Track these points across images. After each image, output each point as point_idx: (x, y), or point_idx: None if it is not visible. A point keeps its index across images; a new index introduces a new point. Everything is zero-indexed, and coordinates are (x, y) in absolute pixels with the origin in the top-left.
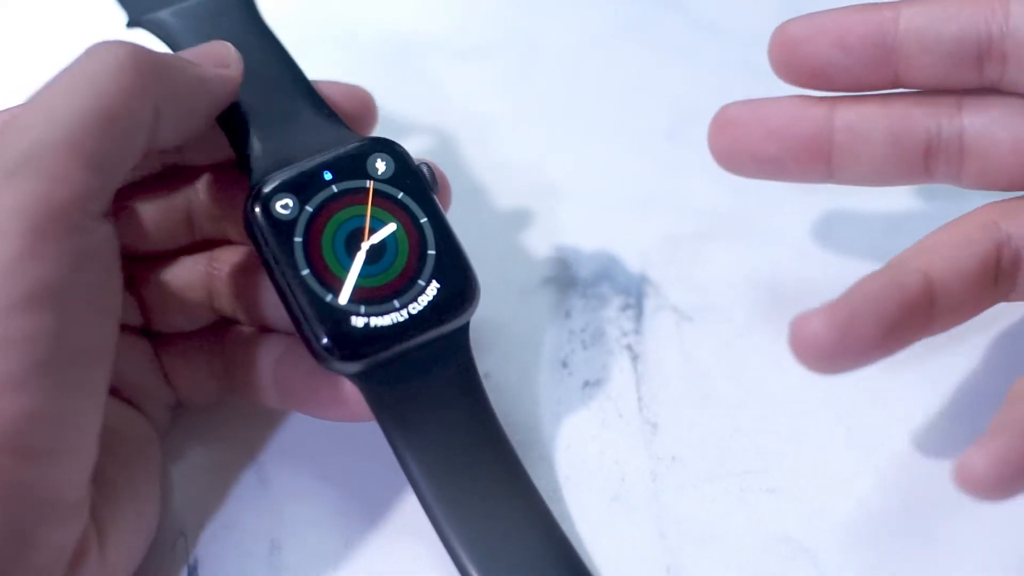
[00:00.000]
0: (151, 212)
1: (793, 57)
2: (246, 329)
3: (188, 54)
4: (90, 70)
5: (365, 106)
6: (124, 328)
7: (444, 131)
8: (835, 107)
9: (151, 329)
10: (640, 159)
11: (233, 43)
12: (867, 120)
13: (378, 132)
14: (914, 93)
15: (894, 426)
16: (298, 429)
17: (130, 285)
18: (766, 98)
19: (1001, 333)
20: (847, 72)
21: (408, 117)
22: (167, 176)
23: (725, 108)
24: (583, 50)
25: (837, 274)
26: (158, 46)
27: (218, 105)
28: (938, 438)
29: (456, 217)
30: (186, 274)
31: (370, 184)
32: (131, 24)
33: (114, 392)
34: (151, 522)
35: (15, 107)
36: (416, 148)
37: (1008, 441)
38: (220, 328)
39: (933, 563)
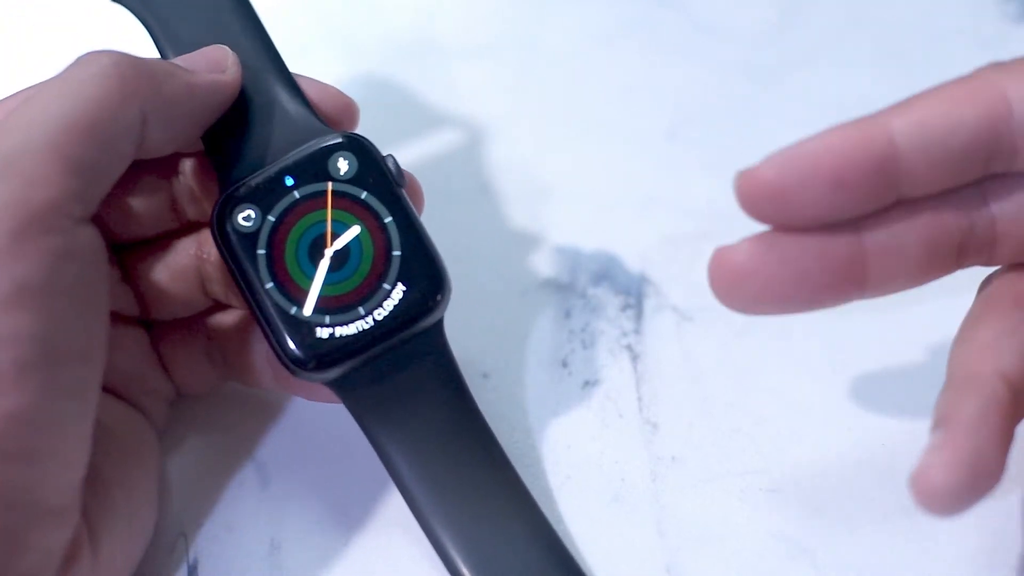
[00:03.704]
0: (135, 198)
1: (781, 207)
2: (240, 312)
3: (183, 60)
4: (76, 77)
5: (346, 111)
6: (120, 318)
7: (444, 131)
8: (860, 229)
9: (147, 318)
10: (640, 159)
11: (211, 24)
12: (899, 235)
13: (378, 132)
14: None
15: (894, 426)
16: (299, 429)
17: (123, 275)
18: (772, 234)
19: None
20: (847, 208)
21: (408, 117)
22: (148, 162)
23: (725, 253)
24: (583, 50)
25: None
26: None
27: (212, 112)
28: None
29: (456, 217)
30: (177, 260)
31: (331, 187)
32: None
33: (111, 389)
34: (147, 523)
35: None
36: (416, 148)
37: (964, 442)
38: (215, 313)
39: (933, 563)
